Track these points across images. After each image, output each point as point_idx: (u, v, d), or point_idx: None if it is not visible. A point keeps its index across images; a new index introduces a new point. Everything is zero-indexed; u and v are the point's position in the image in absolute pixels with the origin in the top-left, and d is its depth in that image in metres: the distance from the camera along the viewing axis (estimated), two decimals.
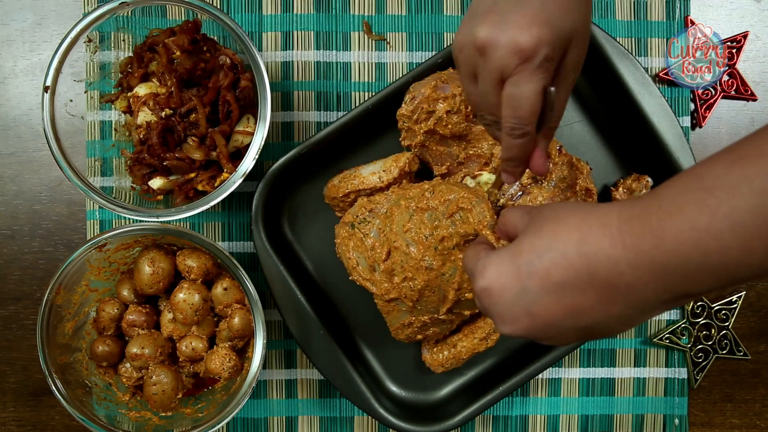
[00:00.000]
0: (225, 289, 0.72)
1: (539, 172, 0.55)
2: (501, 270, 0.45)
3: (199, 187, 0.71)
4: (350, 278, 0.70)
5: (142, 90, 0.70)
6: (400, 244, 0.65)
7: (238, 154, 0.72)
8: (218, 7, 0.75)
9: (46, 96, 0.68)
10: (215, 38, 0.73)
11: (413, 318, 0.68)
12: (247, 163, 0.68)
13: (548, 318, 0.43)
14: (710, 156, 0.40)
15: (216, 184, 0.71)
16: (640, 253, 0.39)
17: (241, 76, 0.71)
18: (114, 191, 0.71)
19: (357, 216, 0.69)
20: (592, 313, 0.42)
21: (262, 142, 0.68)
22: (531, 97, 0.48)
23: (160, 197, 0.73)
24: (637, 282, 0.40)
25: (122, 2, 0.67)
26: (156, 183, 0.71)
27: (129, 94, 0.71)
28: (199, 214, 0.69)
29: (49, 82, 0.68)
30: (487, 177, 0.71)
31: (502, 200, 0.72)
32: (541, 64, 0.47)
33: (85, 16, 0.67)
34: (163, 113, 0.69)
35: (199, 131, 0.69)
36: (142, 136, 0.71)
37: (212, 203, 0.68)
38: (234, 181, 0.68)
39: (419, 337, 0.71)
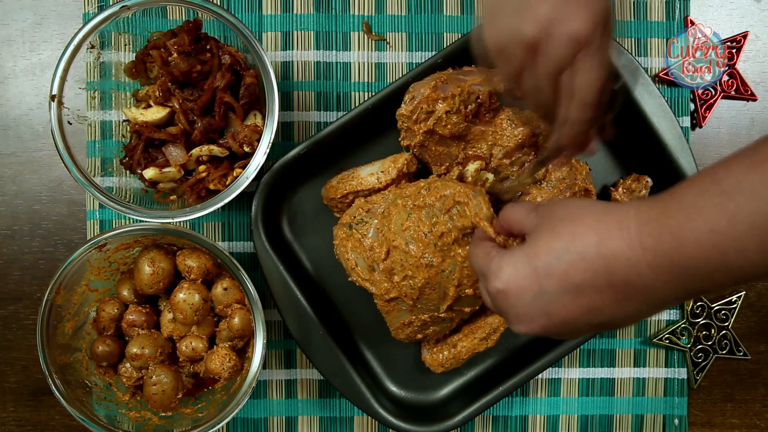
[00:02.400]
0: (225, 289, 0.72)
1: (592, 154, 0.59)
2: (519, 271, 0.45)
3: (211, 186, 0.71)
4: (349, 279, 0.70)
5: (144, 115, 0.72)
6: (399, 242, 0.65)
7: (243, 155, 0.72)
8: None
9: (53, 105, 0.67)
10: (217, 38, 0.73)
11: (413, 317, 0.68)
12: (259, 157, 0.68)
13: (565, 317, 0.44)
14: (727, 158, 0.41)
15: (228, 182, 0.71)
16: (660, 255, 0.40)
17: (245, 73, 0.71)
18: (114, 190, 0.71)
19: (354, 217, 0.69)
20: (608, 311, 0.43)
21: (272, 136, 0.68)
22: (596, 84, 0.48)
23: (173, 197, 0.72)
24: (656, 282, 0.41)
25: (123, 5, 0.66)
26: (148, 173, 0.71)
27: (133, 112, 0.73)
28: None
29: (55, 91, 0.67)
30: (472, 167, 0.71)
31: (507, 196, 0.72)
32: (598, 49, 0.47)
33: (86, 22, 0.67)
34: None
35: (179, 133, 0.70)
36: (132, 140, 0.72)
37: (225, 201, 0.68)
38: (247, 176, 0.68)
39: (419, 336, 0.71)
